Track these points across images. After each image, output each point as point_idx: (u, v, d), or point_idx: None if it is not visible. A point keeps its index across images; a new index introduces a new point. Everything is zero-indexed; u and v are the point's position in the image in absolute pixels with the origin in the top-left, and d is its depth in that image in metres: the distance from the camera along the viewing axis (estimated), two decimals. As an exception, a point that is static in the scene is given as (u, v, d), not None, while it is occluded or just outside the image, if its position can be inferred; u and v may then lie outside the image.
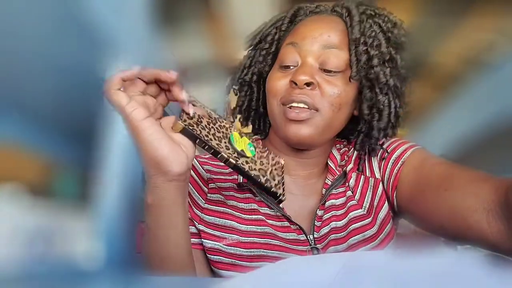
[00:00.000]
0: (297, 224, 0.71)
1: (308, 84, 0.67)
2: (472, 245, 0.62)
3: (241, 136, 0.59)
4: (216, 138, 0.55)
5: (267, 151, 0.62)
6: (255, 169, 0.57)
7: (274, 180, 0.58)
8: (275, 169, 0.60)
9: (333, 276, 0.31)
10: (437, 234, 0.70)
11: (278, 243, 0.69)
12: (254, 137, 0.84)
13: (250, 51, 0.80)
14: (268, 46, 0.76)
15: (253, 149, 0.59)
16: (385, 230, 0.75)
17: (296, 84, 0.68)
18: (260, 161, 0.58)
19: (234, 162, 0.54)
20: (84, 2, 0.99)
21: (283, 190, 0.59)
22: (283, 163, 0.62)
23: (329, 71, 0.69)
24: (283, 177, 0.61)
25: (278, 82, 0.71)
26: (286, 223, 0.72)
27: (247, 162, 0.56)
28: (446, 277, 0.30)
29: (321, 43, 0.70)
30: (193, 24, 1.10)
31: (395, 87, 0.73)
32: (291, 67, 0.71)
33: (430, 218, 0.68)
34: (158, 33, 1.12)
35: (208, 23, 1.10)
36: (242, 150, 0.57)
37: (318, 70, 0.69)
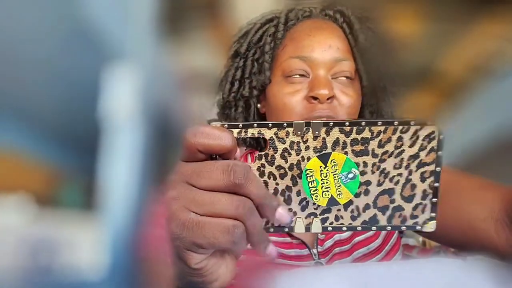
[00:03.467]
0: (299, 239, 0.70)
1: (328, 98, 0.65)
2: (480, 254, 0.61)
3: (326, 156, 0.30)
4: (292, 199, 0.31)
5: (394, 125, 0.30)
6: (368, 205, 0.31)
7: (410, 200, 0.31)
8: (418, 167, 0.31)
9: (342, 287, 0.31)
10: (443, 243, 0.68)
11: (280, 261, 0.67)
12: (247, 150, 0.78)
13: (238, 60, 0.75)
14: (267, 56, 0.72)
15: (365, 167, 0.30)
16: (390, 241, 0.74)
17: (315, 99, 0.66)
18: (384, 177, 0.31)
19: (317, 230, 0.31)
20: (90, 13, 0.99)
21: (434, 208, 0.31)
22: (436, 129, 0.32)
23: (343, 81, 0.68)
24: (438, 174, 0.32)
25: (292, 98, 0.68)
26: (288, 239, 0.70)
27: (345, 209, 0.31)
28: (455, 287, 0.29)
29: (331, 56, 0.67)
30: (198, 34, 1.11)
31: (394, 93, 0.72)
32: (301, 77, 0.68)
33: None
34: (164, 43, 1.12)
35: (213, 33, 1.10)
36: (332, 198, 0.30)
37: (331, 81, 0.68)
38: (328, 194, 0.30)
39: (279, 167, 0.30)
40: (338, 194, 0.30)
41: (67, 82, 1.13)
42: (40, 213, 1.10)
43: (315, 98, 0.65)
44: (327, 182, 0.30)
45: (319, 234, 0.70)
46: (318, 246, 0.69)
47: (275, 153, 0.30)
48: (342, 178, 0.30)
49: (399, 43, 0.76)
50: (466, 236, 0.60)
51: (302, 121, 0.29)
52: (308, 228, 0.31)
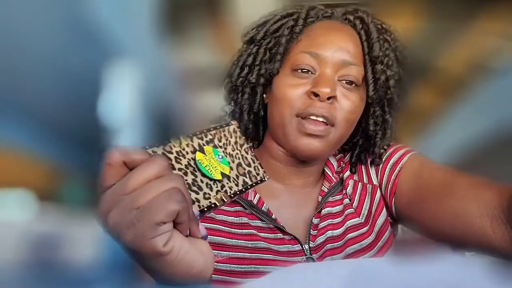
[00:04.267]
0: (291, 235, 0.70)
1: (329, 98, 0.65)
2: (476, 251, 0.62)
3: (201, 150, 0.44)
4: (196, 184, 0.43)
5: (218, 129, 0.48)
6: (237, 175, 0.47)
7: (250, 165, 0.49)
8: (241, 147, 0.49)
9: (338, 284, 0.31)
10: (438, 241, 0.69)
11: (271, 257, 0.68)
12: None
13: (252, 47, 0.75)
14: (279, 46, 0.72)
15: (221, 152, 0.46)
16: (383, 238, 0.74)
17: (316, 96, 0.66)
18: (231, 157, 0.47)
19: (227, 199, 0.44)
20: (91, 10, 0.99)
21: (261, 166, 0.49)
22: (236, 125, 0.50)
23: (348, 86, 0.68)
24: (251, 147, 0.51)
25: (294, 91, 0.68)
26: (280, 235, 0.70)
27: (229, 180, 0.45)
28: (452, 285, 0.30)
29: (341, 57, 0.67)
30: (199, 31, 1.11)
31: (399, 106, 0.73)
32: (308, 72, 0.68)
33: (430, 224, 0.67)
34: (165, 40, 1.13)
35: (214, 30, 1.10)
36: (221, 172, 0.45)
37: (336, 82, 0.68)
38: (218, 170, 0.44)
39: (179, 169, 0.42)
40: (222, 168, 0.45)
41: (68, 79, 1.13)
42: (41, 209, 1.11)
43: (316, 94, 0.65)
44: (212, 163, 0.44)
45: (311, 230, 0.71)
46: (310, 242, 0.70)
47: (171, 161, 0.41)
48: (218, 159, 0.45)
49: (407, 57, 0.76)
50: (463, 233, 0.61)
51: (175, 138, 0.43)
52: (222, 200, 0.43)
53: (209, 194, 0.42)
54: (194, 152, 0.43)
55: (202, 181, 0.43)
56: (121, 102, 1.05)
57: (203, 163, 0.43)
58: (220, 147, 0.46)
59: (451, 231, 0.63)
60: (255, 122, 0.79)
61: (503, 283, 0.29)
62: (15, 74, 1.11)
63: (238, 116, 0.77)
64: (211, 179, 0.43)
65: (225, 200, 0.43)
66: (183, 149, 0.42)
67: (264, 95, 0.75)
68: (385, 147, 0.76)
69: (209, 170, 0.43)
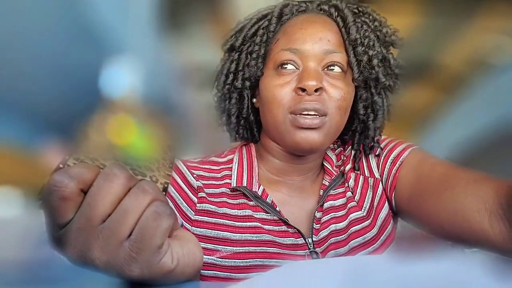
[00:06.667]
0: (294, 228, 0.70)
1: (316, 90, 0.66)
2: (474, 246, 0.62)
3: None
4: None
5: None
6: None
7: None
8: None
9: (337, 282, 0.31)
10: (437, 236, 0.69)
11: (276, 250, 0.68)
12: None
13: (233, 54, 0.76)
14: (258, 48, 0.73)
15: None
16: (386, 231, 0.75)
17: (303, 91, 0.66)
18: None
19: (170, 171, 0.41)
20: (89, 7, 0.99)
21: None
22: None
23: (334, 74, 0.68)
24: None
25: (281, 90, 0.68)
26: (284, 227, 0.70)
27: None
28: (452, 282, 0.30)
29: (322, 47, 0.68)
30: (199, 29, 1.11)
31: (389, 87, 0.73)
32: (290, 69, 0.68)
33: (430, 219, 0.67)
34: (164, 37, 1.12)
35: (214, 28, 1.10)
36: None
37: (321, 74, 0.68)
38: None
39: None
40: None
41: (66, 76, 1.13)
42: (37, 207, 1.11)
43: (303, 89, 0.66)
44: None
45: (314, 224, 0.71)
46: (313, 236, 0.70)
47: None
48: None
49: (399, 36, 0.76)
50: (461, 228, 0.61)
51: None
52: (168, 175, 0.40)
53: (155, 176, 0.39)
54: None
55: (140, 167, 0.38)
56: (120, 99, 1.05)
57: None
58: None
59: (450, 226, 0.63)
60: (246, 126, 0.79)
61: (504, 280, 0.29)
62: (12, 72, 1.11)
63: (227, 121, 0.78)
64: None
65: (169, 174, 0.40)
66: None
67: (253, 100, 0.76)
68: (379, 129, 0.76)
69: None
